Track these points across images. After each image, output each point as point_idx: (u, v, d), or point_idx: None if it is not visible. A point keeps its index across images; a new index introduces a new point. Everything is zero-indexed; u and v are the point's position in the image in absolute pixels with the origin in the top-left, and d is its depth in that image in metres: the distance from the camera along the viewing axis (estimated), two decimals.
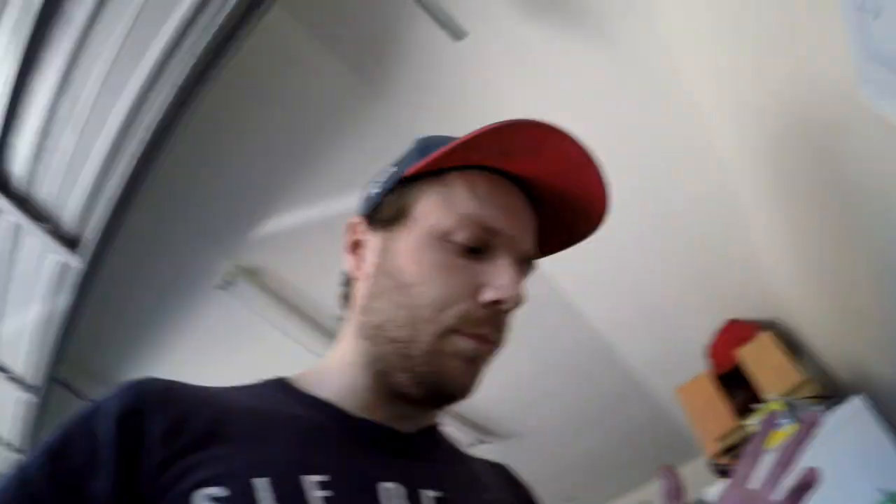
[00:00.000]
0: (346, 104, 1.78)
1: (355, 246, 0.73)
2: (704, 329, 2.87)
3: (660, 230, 2.28)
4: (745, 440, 2.20)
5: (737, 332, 2.77)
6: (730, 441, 2.37)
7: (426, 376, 0.62)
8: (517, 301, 0.64)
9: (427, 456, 0.68)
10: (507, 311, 0.65)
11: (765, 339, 2.58)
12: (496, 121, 0.62)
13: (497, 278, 0.63)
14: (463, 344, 0.63)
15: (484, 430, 3.21)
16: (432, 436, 0.72)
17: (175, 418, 0.53)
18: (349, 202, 0.75)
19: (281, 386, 0.68)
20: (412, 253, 0.65)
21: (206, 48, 1.27)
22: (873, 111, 1.00)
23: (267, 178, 1.88)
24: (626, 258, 2.36)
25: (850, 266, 1.58)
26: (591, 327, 2.74)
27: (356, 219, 0.75)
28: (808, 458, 1.76)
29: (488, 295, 0.63)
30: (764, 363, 2.51)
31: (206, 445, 0.52)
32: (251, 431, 0.56)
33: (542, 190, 0.73)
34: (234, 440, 0.54)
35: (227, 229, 2.01)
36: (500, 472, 0.85)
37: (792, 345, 2.68)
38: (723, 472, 2.22)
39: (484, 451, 3.12)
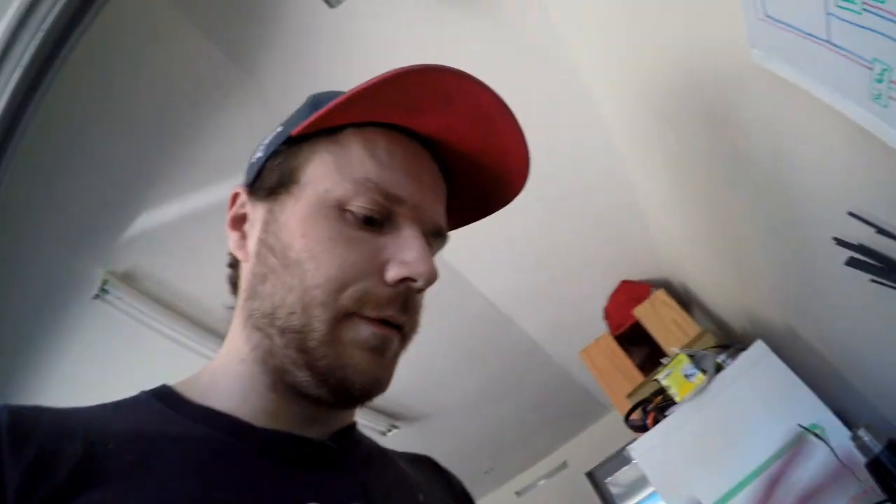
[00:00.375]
0: (215, 83, 1.61)
1: (238, 221, 0.62)
2: (600, 292, 2.96)
3: (548, 199, 2.26)
4: (655, 393, 2.28)
5: (631, 292, 2.88)
6: (640, 396, 2.45)
7: (328, 372, 0.52)
8: (429, 278, 0.55)
9: (347, 464, 0.58)
10: (417, 291, 0.56)
11: (659, 297, 2.69)
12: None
13: (403, 252, 0.55)
14: (365, 330, 0.53)
15: (393, 416, 3.17)
16: (350, 438, 0.62)
17: (36, 459, 0.41)
18: (226, 191, 0.65)
19: (165, 397, 0.55)
20: (300, 224, 0.56)
21: (54, 23, 1.10)
22: (764, 71, 1.02)
23: (133, 173, 1.69)
24: (516, 230, 2.34)
25: (741, 222, 1.64)
26: (489, 301, 2.74)
27: (238, 188, 0.64)
28: (727, 403, 1.88)
29: (394, 272, 0.54)
30: (661, 319, 2.62)
31: (80, 491, 0.41)
32: (133, 465, 0.45)
33: (452, 151, 0.65)
34: (114, 480, 0.43)
35: (94, 233, 1.79)
36: (427, 467, 0.78)
37: (686, 300, 2.82)
38: (638, 428, 2.29)
39: (396, 436, 3.09)
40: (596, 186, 2.28)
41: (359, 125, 0.59)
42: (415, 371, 2.66)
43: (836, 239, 1.19)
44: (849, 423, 1.64)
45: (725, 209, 1.67)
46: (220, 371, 0.58)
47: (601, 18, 1.49)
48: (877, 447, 1.07)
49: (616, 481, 3.71)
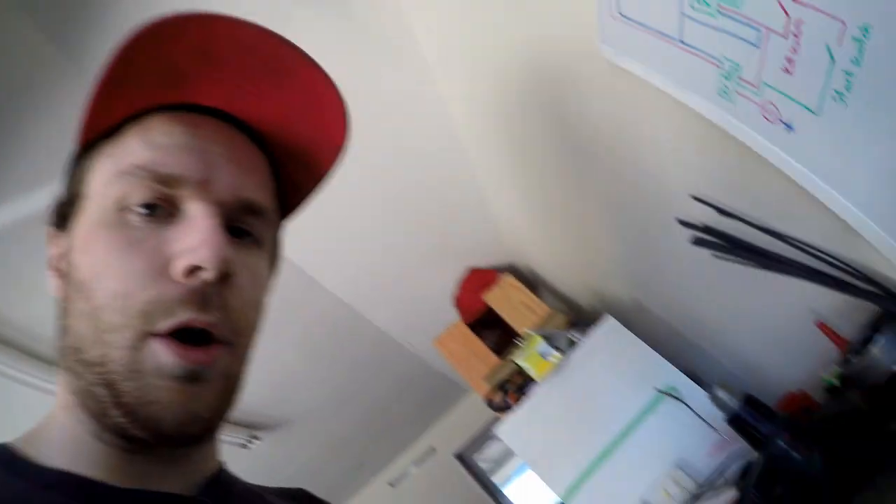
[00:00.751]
0: (39, 78, 1.37)
1: (53, 260, 0.52)
2: (449, 281, 2.97)
3: (392, 190, 2.20)
4: (514, 374, 2.33)
5: (479, 278, 2.91)
6: (498, 378, 2.50)
7: (136, 409, 0.43)
8: (216, 262, 0.44)
9: None
10: (212, 281, 0.45)
11: (508, 281, 2.74)
12: None
13: (186, 238, 0.45)
14: (166, 357, 0.43)
15: (252, 426, 2.96)
16: (221, 488, 0.53)
17: None
18: (48, 200, 0.54)
19: (6, 462, 0.44)
20: (85, 241, 0.47)
21: None
22: (614, 66, 1.04)
23: None
24: (360, 222, 2.25)
25: (588, 207, 1.71)
26: (335, 297, 2.62)
27: (48, 228, 0.53)
28: (585, 377, 1.96)
29: (177, 264, 0.44)
30: (511, 303, 2.68)
31: None
32: None
33: (256, 120, 0.55)
34: None
35: None
36: (304, 502, 0.71)
37: (533, 282, 2.91)
38: (500, 409, 2.33)
39: (260, 448, 2.90)
40: (441, 176, 2.26)
41: (141, 116, 0.50)
42: (266, 377, 2.48)
43: (680, 220, 1.26)
44: (701, 382, 1.78)
45: (573, 196, 1.74)
46: (56, 423, 0.48)
47: (453, 11, 1.46)
48: (735, 403, 1.15)
49: (485, 457, 3.78)
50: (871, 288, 0.94)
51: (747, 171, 0.98)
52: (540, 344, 2.12)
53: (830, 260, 0.98)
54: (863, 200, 0.78)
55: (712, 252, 1.21)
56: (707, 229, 1.20)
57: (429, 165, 2.18)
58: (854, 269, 0.95)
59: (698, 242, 1.22)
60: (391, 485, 3.90)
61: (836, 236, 0.92)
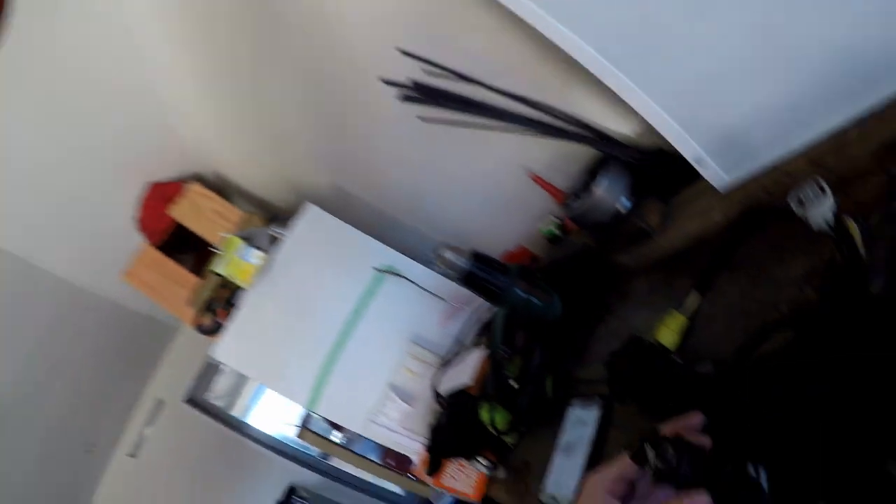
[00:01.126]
0: None
1: None
2: (126, 203, 2.51)
3: (46, 96, 1.74)
4: (219, 289, 2.05)
5: (162, 193, 2.50)
6: (203, 299, 2.21)
7: None
8: None
9: None
10: None
11: (194, 191, 2.40)
12: None
13: None
14: None
15: None
16: None
17: None
18: None
19: None
20: None
21: None
22: None
23: None
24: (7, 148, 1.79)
25: (277, 92, 1.50)
26: None
27: None
28: (299, 272, 1.77)
29: None
30: (201, 214, 2.37)
31: None
32: None
33: None
34: None
35: None
36: None
37: (223, 189, 2.58)
38: (212, 331, 2.04)
39: None
40: (107, 74, 1.80)
41: None
42: None
43: (384, 79, 1.10)
44: (415, 257, 1.75)
45: (261, 82, 1.51)
46: None
47: None
48: (464, 262, 1.07)
49: (217, 393, 3.42)
50: (587, 133, 0.91)
51: (459, 17, 0.86)
52: (239, 247, 1.88)
53: (545, 108, 0.93)
54: (593, 36, 0.71)
55: (420, 116, 1.09)
56: (415, 85, 1.06)
57: (92, 62, 1.71)
58: (570, 116, 0.92)
59: (407, 99, 1.08)
60: (131, 455, 3.36)
61: (554, 86, 0.87)
